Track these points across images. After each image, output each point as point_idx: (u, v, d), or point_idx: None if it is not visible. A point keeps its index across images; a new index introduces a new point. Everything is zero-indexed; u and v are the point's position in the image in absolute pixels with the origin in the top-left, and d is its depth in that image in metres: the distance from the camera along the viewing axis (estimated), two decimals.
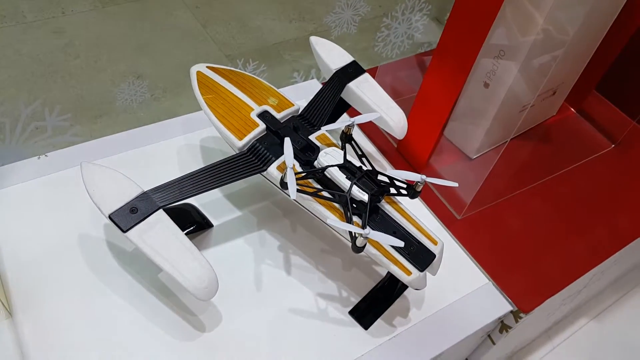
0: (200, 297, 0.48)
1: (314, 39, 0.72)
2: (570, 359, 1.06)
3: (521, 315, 0.64)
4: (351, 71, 0.70)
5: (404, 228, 0.53)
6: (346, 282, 0.61)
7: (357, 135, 0.79)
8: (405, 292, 0.61)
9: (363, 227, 0.50)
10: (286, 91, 0.82)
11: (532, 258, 0.70)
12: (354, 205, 0.52)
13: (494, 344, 0.70)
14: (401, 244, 0.47)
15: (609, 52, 0.82)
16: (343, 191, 0.53)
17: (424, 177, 0.52)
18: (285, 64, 1.43)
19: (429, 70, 0.70)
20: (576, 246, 0.72)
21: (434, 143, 0.74)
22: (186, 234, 0.51)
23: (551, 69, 0.72)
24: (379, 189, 0.53)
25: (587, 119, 0.91)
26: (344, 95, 0.69)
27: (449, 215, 0.72)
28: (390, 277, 0.60)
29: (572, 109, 0.92)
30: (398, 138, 0.68)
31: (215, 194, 0.66)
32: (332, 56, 0.70)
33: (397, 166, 0.77)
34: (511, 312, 0.64)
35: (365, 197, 0.52)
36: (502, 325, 0.67)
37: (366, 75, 0.70)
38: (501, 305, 0.64)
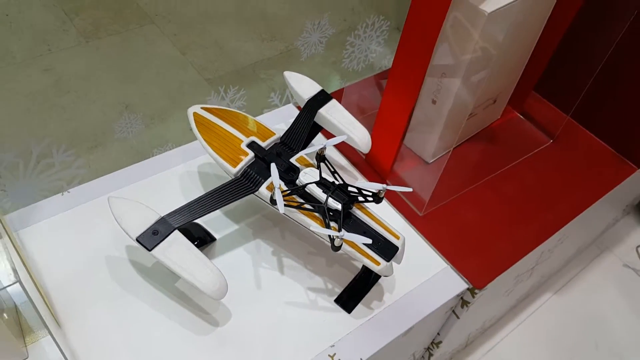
0: (215, 297, 0.61)
1: (287, 74, 0.84)
2: (536, 331, 1.17)
3: (476, 291, 0.77)
4: (321, 98, 0.81)
5: (371, 228, 0.66)
6: (330, 276, 0.74)
7: (332, 151, 0.92)
8: (379, 280, 0.74)
9: (339, 230, 0.62)
10: (266, 117, 0.95)
11: (484, 243, 0.82)
12: (331, 213, 0.65)
13: (458, 318, 0.83)
14: (369, 241, 0.60)
15: (543, 56, 0.93)
16: (321, 203, 0.65)
17: (384, 185, 0.65)
18: (262, 83, 1.54)
19: (385, 92, 0.81)
20: (522, 230, 0.85)
21: (396, 152, 0.86)
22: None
23: (485, 82, 0.84)
24: (350, 199, 0.66)
25: (528, 119, 1.04)
26: (316, 119, 0.80)
27: (412, 213, 0.85)
28: (365, 269, 0.73)
29: (515, 111, 1.05)
30: (364, 152, 0.81)
31: (215, 213, 0.78)
32: (304, 87, 0.82)
33: (366, 174, 0.90)
34: (468, 289, 0.77)
35: (339, 206, 0.64)
36: (462, 301, 0.80)
37: (333, 101, 0.82)
38: (459, 284, 0.76)
